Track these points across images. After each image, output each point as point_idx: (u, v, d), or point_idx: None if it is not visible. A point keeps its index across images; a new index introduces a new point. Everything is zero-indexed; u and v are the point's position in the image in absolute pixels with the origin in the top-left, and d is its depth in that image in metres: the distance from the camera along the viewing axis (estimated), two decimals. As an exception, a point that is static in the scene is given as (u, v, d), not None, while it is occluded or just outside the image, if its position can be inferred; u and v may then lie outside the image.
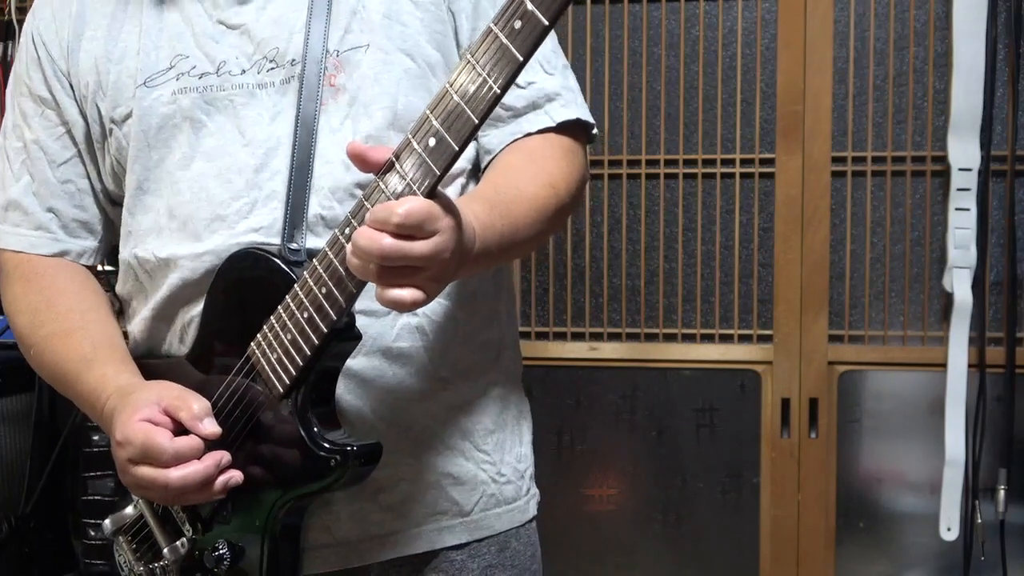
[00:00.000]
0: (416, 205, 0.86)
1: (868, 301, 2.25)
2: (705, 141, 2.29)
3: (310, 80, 1.07)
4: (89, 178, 1.20)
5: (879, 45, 2.22)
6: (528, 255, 2.28)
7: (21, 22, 2.53)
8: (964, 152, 2.15)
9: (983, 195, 2.15)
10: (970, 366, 2.16)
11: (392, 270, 0.87)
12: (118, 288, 1.22)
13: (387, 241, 0.85)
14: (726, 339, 2.29)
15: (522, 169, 1.11)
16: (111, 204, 1.22)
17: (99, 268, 1.25)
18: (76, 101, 1.17)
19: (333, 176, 1.07)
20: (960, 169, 2.15)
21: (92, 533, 1.22)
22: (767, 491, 2.26)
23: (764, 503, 2.26)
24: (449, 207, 0.90)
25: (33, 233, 1.19)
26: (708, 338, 2.30)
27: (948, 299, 2.18)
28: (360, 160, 0.91)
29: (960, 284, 2.15)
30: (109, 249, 1.25)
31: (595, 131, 1.20)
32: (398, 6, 1.11)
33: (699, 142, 2.28)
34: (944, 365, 2.17)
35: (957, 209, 2.15)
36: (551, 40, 1.16)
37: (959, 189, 2.15)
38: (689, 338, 2.31)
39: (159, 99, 1.11)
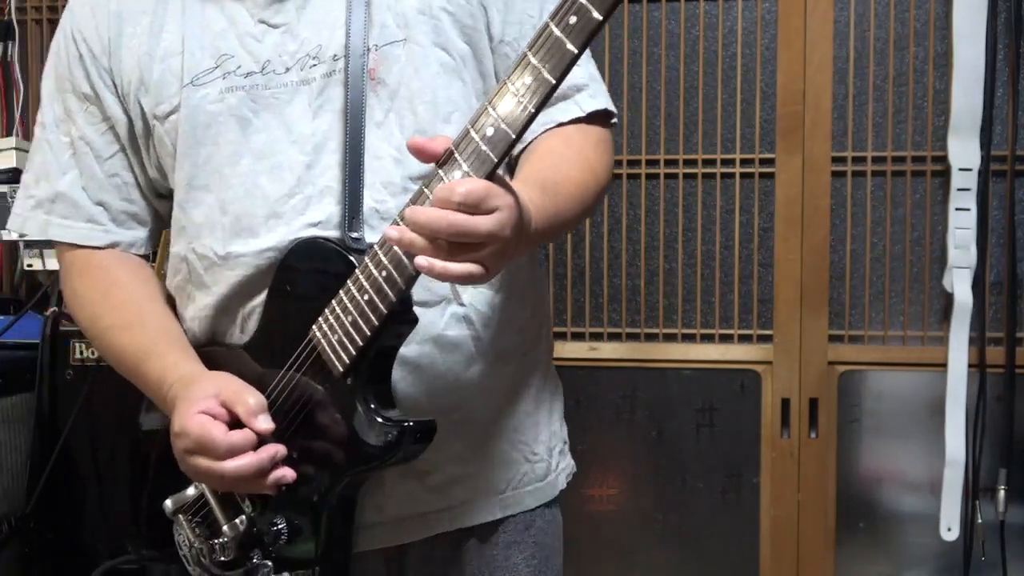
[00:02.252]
0: (476, 184, 0.91)
1: (868, 301, 2.25)
2: (705, 141, 2.29)
3: (354, 76, 1.10)
4: (134, 171, 1.23)
5: (879, 45, 2.22)
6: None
7: (21, 22, 2.53)
8: (964, 152, 2.15)
9: (983, 195, 2.15)
10: (970, 366, 2.16)
11: (456, 246, 0.91)
12: (168, 281, 1.25)
13: (452, 216, 0.90)
14: (726, 339, 2.29)
15: (562, 154, 1.15)
16: (156, 196, 1.26)
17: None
18: (119, 97, 1.20)
19: (385, 171, 1.11)
20: (960, 169, 2.15)
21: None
22: (767, 491, 2.26)
23: (764, 503, 2.26)
24: (507, 187, 0.95)
25: (84, 226, 1.23)
26: (708, 338, 2.30)
27: (948, 299, 2.18)
28: (420, 153, 0.95)
29: (960, 284, 2.15)
30: (157, 237, 1.29)
31: (614, 120, 1.25)
32: (430, 1, 1.14)
33: (699, 142, 2.28)
34: (944, 365, 2.17)
35: (957, 209, 2.15)
36: None
37: (959, 189, 2.15)
38: (689, 338, 2.31)
39: (206, 97, 1.14)
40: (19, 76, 2.53)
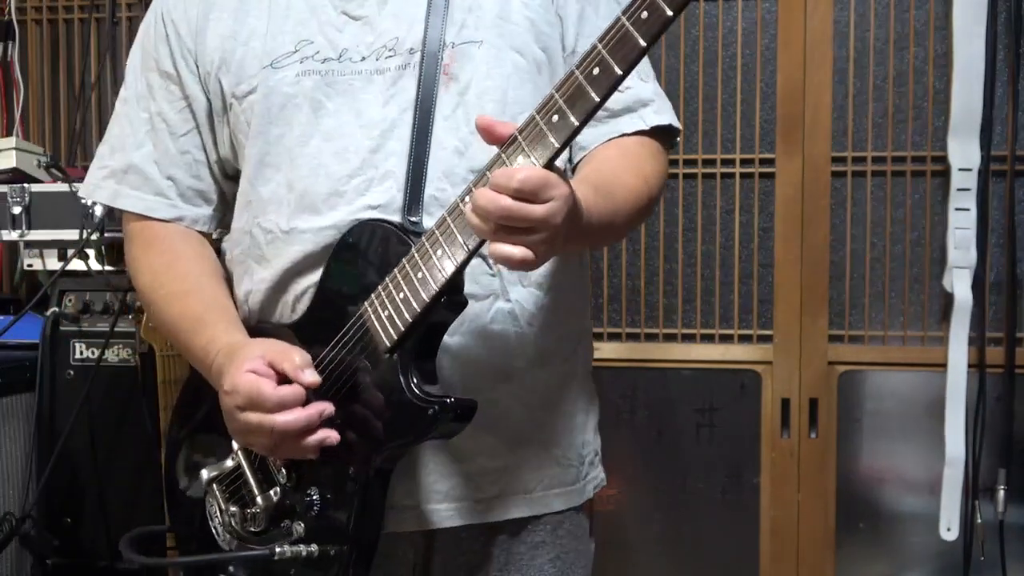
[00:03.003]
0: (533, 172, 0.94)
1: (868, 301, 2.25)
2: (705, 141, 2.29)
3: (428, 69, 1.15)
4: (205, 150, 1.28)
5: (879, 45, 2.22)
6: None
7: (21, 22, 2.53)
8: (964, 152, 2.15)
9: (983, 195, 2.15)
10: (970, 366, 2.16)
11: (508, 229, 0.94)
12: (226, 254, 1.30)
13: (506, 201, 0.93)
14: (726, 339, 2.29)
15: (618, 162, 1.20)
16: (225, 177, 1.30)
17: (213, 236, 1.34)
18: (199, 77, 1.25)
19: (448, 161, 1.16)
20: (960, 169, 2.15)
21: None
22: (767, 491, 2.26)
23: (764, 503, 2.26)
24: (563, 178, 0.97)
25: (152, 198, 1.28)
26: (708, 338, 2.30)
27: (948, 299, 2.18)
28: (487, 132, 0.98)
29: (960, 284, 2.15)
30: (221, 218, 1.32)
31: (678, 138, 1.31)
32: (510, 7, 1.20)
33: (699, 142, 2.28)
34: (944, 365, 2.17)
35: (957, 209, 2.15)
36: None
37: (959, 189, 2.15)
38: (689, 338, 2.31)
39: (284, 79, 1.19)
40: (19, 76, 2.53)
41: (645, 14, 0.90)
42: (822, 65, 2.22)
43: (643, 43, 0.91)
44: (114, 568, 1.94)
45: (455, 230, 1.01)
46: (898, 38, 2.22)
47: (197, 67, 1.25)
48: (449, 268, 1.02)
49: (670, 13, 0.89)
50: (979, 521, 2.16)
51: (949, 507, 2.17)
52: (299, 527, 1.14)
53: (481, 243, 1.00)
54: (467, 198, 1.00)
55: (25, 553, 2.00)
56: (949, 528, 2.17)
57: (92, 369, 1.95)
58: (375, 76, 1.17)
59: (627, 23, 0.91)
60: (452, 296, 1.06)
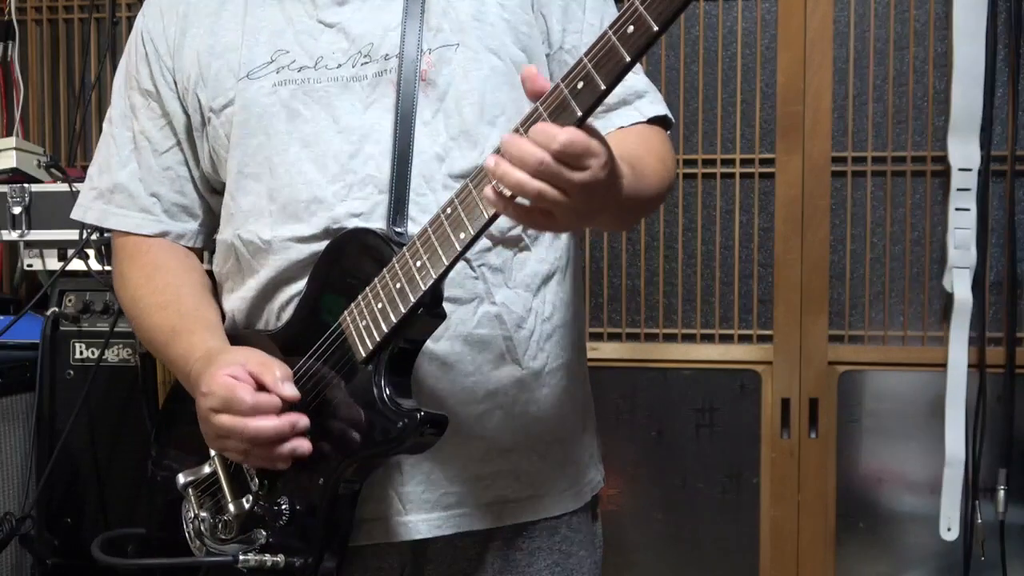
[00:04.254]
0: (578, 135, 0.90)
1: (868, 301, 2.25)
2: (705, 141, 2.29)
3: (407, 76, 1.15)
4: (188, 166, 1.30)
5: (879, 45, 2.22)
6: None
7: (21, 22, 2.53)
8: (964, 152, 2.15)
9: (983, 195, 2.15)
10: (970, 366, 2.16)
11: (543, 184, 0.90)
12: (215, 268, 1.30)
13: (542, 155, 0.89)
14: (726, 339, 2.29)
15: (638, 143, 1.18)
16: (210, 191, 1.31)
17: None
18: (178, 94, 1.27)
19: (427, 166, 1.15)
20: (960, 169, 2.15)
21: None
22: (767, 491, 2.26)
23: (764, 503, 2.26)
24: (604, 143, 0.94)
25: (138, 215, 1.30)
26: (708, 338, 2.30)
27: (948, 299, 2.18)
28: (526, 81, 0.94)
29: (960, 284, 2.15)
30: (209, 232, 1.34)
31: (669, 130, 1.29)
32: (485, 8, 1.19)
33: (699, 142, 2.28)
34: (944, 365, 2.17)
35: (957, 209, 2.15)
36: None
37: (959, 189, 2.15)
38: (689, 338, 2.31)
39: (260, 90, 1.19)
40: (19, 76, 2.53)
41: (631, 28, 0.88)
42: (822, 65, 2.22)
43: (628, 58, 0.89)
44: (114, 568, 1.93)
45: (435, 242, 1.00)
46: (898, 38, 2.22)
47: (175, 84, 1.26)
48: (427, 279, 1.01)
49: (656, 28, 0.87)
50: (979, 521, 2.16)
51: (949, 507, 2.17)
52: (267, 536, 1.13)
53: (459, 256, 0.99)
54: (453, 203, 0.98)
55: (25, 553, 2.00)
56: (949, 528, 2.17)
57: (92, 369, 1.95)
58: (352, 83, 1.17)
59: (613, 37, 0.89)
60: (431, 308, 1.05)
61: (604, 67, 0.90)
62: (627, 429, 2.32)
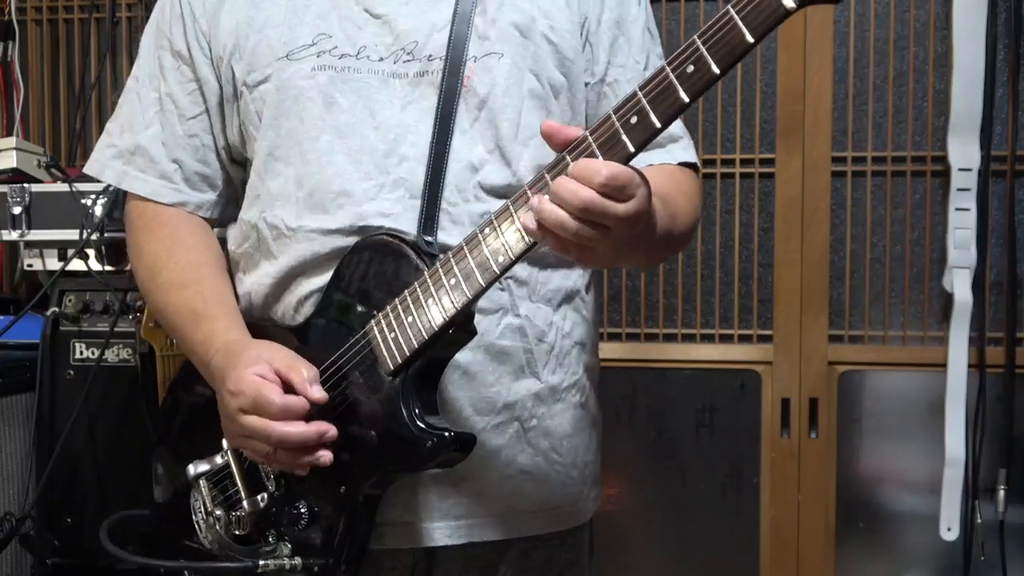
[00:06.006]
0: (621, 168, 0.90)
1: (868, 301, 2.25)
2: (705, 141, 2.29)
3: (451, 80, 1.13)
4: (214, 135, 1.25)
5: (879, 45, 2.22)
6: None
7: (21, 22, 2.53)
8: (964, 152, 2.15)
9: (983, 195, 2.15)
10: (970, 366, 2.16)
11: (584, 224, 0.91)
12: (230, 246, 1.27)
13: (589, 193, 0.90)
14: (726, 339, 2.29)
15: (669, 182, 1.18)
16: (232, 163, 1.27)
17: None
18: (211, 61, 1.22)
19: (461, 175, 1.14)
20: (960, 169, 2.15)
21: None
22: (767, 491, 2.26)
23: (764, 503, 2.26)
24: (645, 179, 0.94)
25: (157, 181, 1.25)
26: (708, 338, 2.30)
27: (948, 299, 2.18)
28: (551, 137, 0.95)
29: (960, 284, 2.15)
30: (227, 204, 1.29)
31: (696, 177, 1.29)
32: (534, 26, 1.18)
33: (699, 142, 2.28)
34: (944, 365, 2.17)
35: (957, 209, 2.15)
36: None
37: (959, 189, 2.15)
38: (689, 338, 2.31)
39: (299, 72, 1.16)
40: (19, 76, 2.53)
41: (691, 68, 0.88)
42: (822, 65, 2.22)
43: (686, 99, 0.88)
44: (114, 568, 1.93)
45: (471, 261, 0.99)
46: (898, 38, 2.22)
47: (210, 50, 1.22)
48: (461, 299, 1.01)
49: (717, 71, 0.87)
50: (979, 521, 2.16)
51: (949, 507, 2.17)
52: (285, 539, 1.12)
53: (496, 280, 0.99)
54: (490, 224, 0.99)
55: (25, 553, 2.00)
56: (949, 528, 2.17)
57: (92, 369, 1.95)
58: (392, 79, 1.15)
59: (672, 75, 0.88)
60: (462, 326, 1.04)
61: (660, 105, 0.90)
62: (627, 429, 2.32)
